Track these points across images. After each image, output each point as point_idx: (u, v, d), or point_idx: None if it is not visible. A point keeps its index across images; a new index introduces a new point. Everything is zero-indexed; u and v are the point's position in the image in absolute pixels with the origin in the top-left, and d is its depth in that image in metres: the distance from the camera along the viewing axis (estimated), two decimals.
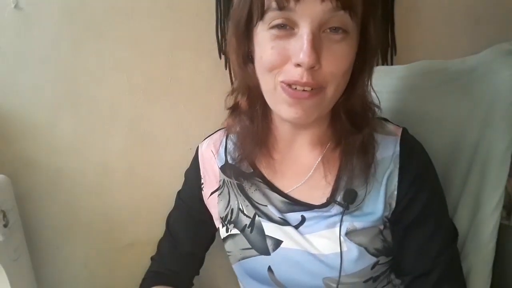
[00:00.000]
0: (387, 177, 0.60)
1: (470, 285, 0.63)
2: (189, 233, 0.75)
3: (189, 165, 0.76)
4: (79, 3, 0.76)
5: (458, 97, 0.67)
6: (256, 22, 0.54)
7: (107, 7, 0.78)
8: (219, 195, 0.70)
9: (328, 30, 0.52)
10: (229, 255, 0.69)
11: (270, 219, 0.64)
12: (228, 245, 0.68)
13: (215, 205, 0.70)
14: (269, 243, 0.64)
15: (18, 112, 0.76)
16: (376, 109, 0.62)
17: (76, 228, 0.83)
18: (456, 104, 0.68)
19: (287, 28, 0.52)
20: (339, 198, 0.61)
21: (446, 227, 0.61)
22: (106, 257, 0.85)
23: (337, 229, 0.60)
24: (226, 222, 0.69)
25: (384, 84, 0.75)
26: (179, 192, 0.77)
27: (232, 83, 0.84)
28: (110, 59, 0.80)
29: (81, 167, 0.81)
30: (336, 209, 0.61)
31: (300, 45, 0.50)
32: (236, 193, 0.68)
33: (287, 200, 0.64)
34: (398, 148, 0.61)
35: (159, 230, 0.77)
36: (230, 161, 0.68)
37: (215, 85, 0.86)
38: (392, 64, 0.92)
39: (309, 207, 0.63)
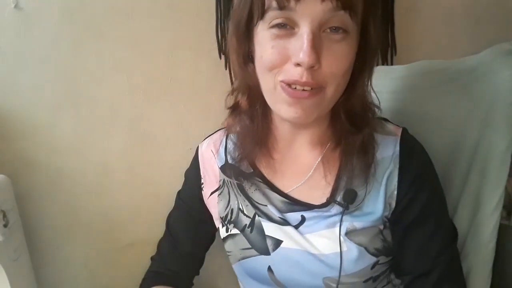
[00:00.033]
0: (387, 177, 0.60)
1: (470, 285, 0.63)
2: (189, 233, 0.75)
3: (189, 165, 0.76)
4: (79, 3, 0.76)
5: (458, 97, 0.67)
6: (257, 22, 0.54)
7: (107, 7, 0.78)
8: (219, 195, 0.70)
9: (328, 30, 0.52)
10: (229, 255, 0.69)
11: (270, 219, 0.64)
12: (228, 245, 0.68)
13: (215, 205, 0.70)
14: (269, 243, 0.64)
15: (18, 112, 0.76)
16: (376, 110, 0.62)
17: (76, 228, 0.82)
18: (456, 104, 0.68)
19: (287, 27, 0.52)
20: (339, 198, 0.61)
21: (446, 227, 0.61)
22: (106, 257, 0.85)
23: (337, 229, 0.60)
24: (226, 222, 0.69)
25: (384, 84, 0.75)
26: (179, 192, 0.77)
27: (232, 83, 0.84)
28: (110, 59, 0.80)
29: (81, 167, 0.81)
30: (336, 209, 0.61)
31: (300, 45, 0.50)
32: (236, 193, 0.68)
33: (287, 200, 0.64)
34: (398, 148, 0.61)
35: (159, 230, 0.77)
36: (230, 161, 0.68)
37: (215, 85, 0.86)
38: (392, 64, 0.92)
39: (309, 207, 0.63)
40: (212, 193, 0.70)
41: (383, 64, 0.91)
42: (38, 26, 0.75)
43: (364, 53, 0.56)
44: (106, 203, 0.84)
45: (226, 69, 0.85)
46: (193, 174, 0.73)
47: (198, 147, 0.75)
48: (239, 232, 0.67)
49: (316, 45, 0.50)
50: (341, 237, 0.59)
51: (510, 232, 0.69)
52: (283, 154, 0.66)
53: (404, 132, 0.63)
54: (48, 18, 0.75)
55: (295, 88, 0.53)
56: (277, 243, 0.63)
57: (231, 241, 0.67)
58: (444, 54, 0.88)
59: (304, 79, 0.51)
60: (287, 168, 0.66)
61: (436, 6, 0.95)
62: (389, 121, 0.65)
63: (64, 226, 0.82)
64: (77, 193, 0.81)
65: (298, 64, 0.51)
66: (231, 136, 0.70)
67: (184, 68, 0.84)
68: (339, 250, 0.59)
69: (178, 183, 0.77)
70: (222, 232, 0.69)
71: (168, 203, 0.78)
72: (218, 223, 0.71)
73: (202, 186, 0.72)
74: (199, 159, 0.73)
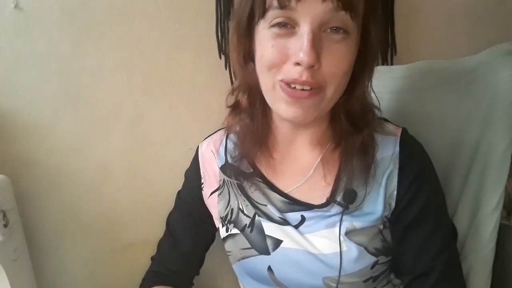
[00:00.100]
0: (387, 177, 0.60)
1: (470, 285, 0.63)
2: (189, 233, 0.75)
3: (189, 165, 0.76)
4: (79, 3, 0.76)
5: (458, 97, 0.67)
6: (258, 21, 0.54)
7: (107, 7, 0.78)
8: (219, 195, 0.70)
9: (329, 30, 0.52)
10: (229, 255, 0.69)
11: (270, 218, 0.64)
12: (228, 245, 0.68)
13: (215, 205, 0.70)
14: (269, 242, 0.64)
15: (18, 112, 0.76)
16: (376, 110, 0.62)
17: (76, 228, 0.82)
18: (456, 104, 0.68)
19: (288, 26, 0.52)
20: (338, 198, 0.61)
21: (445, 227, 0.61)
22: (106, 257, 0.85)
23: (337, 228, 0.60)
24: (226, 222, 0.69)
25: (384, 84, 0.75)
26: (179, 192, 0.77)
27: (232, 83, 0.84)
28: (110, 59, 0.80)
29: (81, 167, 0.81)
30: (335, 209, 0.61)
31: (300, 44, 0.51)
32: (236, 193, 0.68)
33: (287, 200, 0.64)
34: (397, 148, 0.61)
35: (159, 230, 0.77)
36: (230, 161, 0.68)
37: (215, 85, 0.86)
38: (392, 64, 0.92)
39: (308, 207, 0.63)
40: (212, 193, 0.70)
41: (383, 64, 0.91)
42: (38, 26, 0.75)
43: (364, 54, 0.56)
44: (106, 203, 0.83)
45: (226, 69, 0.85)
46: (193, 174, 0.73)
47: (198, 147, 0.75)
48: (239, 232, 0.67)
49: (316, 45, 0.51)
50: (341, 237, 0.59)
51: (510, 232, 0.69)
52: (283, 153, 0.66)
53: (404, 132, 0.63)
54: (48, 18, 0.75)
55: (294, 87, 0.53)
56: (277, 243, 0.63)
57: (231, 241, 0.68)
58: (444, 54, 0.88)
59: (303, 78, 0.51)
60: (287, 168, 0.66)
61: (436, 6, 0.95)
62: (389, 121, 0.65)
63: (64, 226, 0.82)
64: (77, 193, 0.81)
65: (297, 64, 0.51)
66: (231, 136, 0.70)
67: (184, 68, 0.84)
68: (339, 250, 0.59)
69: (178, 183, 0.77)
70: (222, 232, 0.69)
71: (168, 203, 0.78)
72: (218, 223, 0.71)
73: (202, 186, 0.72)
74: (199, 159, 0.73)
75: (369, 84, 0.59)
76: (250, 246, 0.65)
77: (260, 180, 0.66)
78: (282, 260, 0.63)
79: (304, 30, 0.51)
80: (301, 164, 0.65)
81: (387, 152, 0.61)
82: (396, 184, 0.60)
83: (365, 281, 0.60)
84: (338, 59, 0.53)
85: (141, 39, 0.81)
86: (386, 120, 0.66)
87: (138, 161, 0.84)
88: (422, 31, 0.95)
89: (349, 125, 0.60)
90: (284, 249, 0.63)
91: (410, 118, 0.71)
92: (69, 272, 0.83)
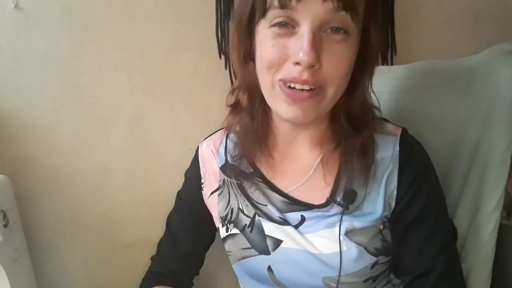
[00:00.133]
0: (387, 177, 0.60)
1: (470, 285, 0.63)
2: (189, 233, 0.75)
3: (189, 165, 0.76)
4: (79, 3, 0.76)
5: (458, 97, 0.67)
6: (258, 20, 0.54)
7: (107, 7, 0.78)
8: (219, 194, 0.70)
9: (329, 30, 0.52)
10: (229, 255, 0.69)
11: (270, 218, 0.64)
12: (228, 245, 0.68)
13: (215, 205, 0.70)
14: (269, 242, 0.64)
15: (18, 112, 0.76)
16: (376, 111, 0.62)
17: (76, 228, 0.82)
18: (456, 104, 0.68)
19: (288, 26, 0.52)
20: (338, 198, 0.61)
21: (445, 227, 0.61)
22: (106, 257, 0.85)
23: (337, 228, 0.60)
24: (226, 222, 0.69)
25: (384, 84, 0.75)
26: (179, 192, 0.77)
27: (232, 83, 0.84)
28: (110, 59, 0.80)
29: (81, 167, 0.81)
30: (335, 209, 0.61)
31: (300, 44, 0.51)
32: (236, 193, 0.68)
33: (287, 200, 0.64)
34: (397, 148, 0.61)
35: (159, 230, 0.77)
36: (230, 161, 0.68)
37: (215, 85, 0.86)
38: (392, 64, 0.92)
39: (308, 207, 0.63)
40: (212, 193, 0.71)
41: (383, 64, 0.91)
42: (38, 26, 0.75)
43: (364, 54, 0.56)
44: (106, 203, 0.84)
45: (226, 69, 0.85)
46: (193, 174, 0.73)
47: (198, 147, 0.75)
48: (239, 232, 0.67)
49: (316, 45, 0.51)
50: (341, 237, 0.59)
51: (510, 232, 0.69)
52: (283, 153, 0.66)
53: (404, 132, 0.63)
54: (48, 18, 0.75)
55: (294, 88, 0.53)
56: (277, 243, 0.63)
57: (231, 241, 0.68)
58: (444, 54, 0.88)
59: (304, 77, 0.51)
60: (287, 168, 0.66)
61: (436, 6, 0.95)
62: (388, 121, 0.65)
63: (64, 226, 0.82)
64: (77, 193, 0.81)
65: (297, 63, 0.51)
66: (231, 135, 0.70)
67: (184, 68, 0.84)
68: (338, 250, 0.59)
69: (178, 183, 0.77)
70: (222, 232, 0.69)
71: (168, 203, 0.78)
72: (218, 223, 0.71)
73: (202, 186, 0.72)
74: (199, 159, 0.73)
75: (370, 85, 0.59)
76: (250, 246, 0.65)
77: (260, 180, 0.66)
78: (282, 260, 0.63)
79: (304, 30, 0.51)
80: (301, 164, 0.65)
81: (387, 152, 0.61)
82: (396, 184, 0.60)
83: (365, 281, 0.60)
84: (338, 60, 0.53)
85: (141, 39, 0.81)
86: (386, 120, 0.66)
87: (138, 161, 0.84)
88: (422, 31, 0.95)
89: (349, 125, 0.60)
90: (284, 249, 0.63)
91: (410, 118, 0.71)
92: (69, 272, 0.84)
